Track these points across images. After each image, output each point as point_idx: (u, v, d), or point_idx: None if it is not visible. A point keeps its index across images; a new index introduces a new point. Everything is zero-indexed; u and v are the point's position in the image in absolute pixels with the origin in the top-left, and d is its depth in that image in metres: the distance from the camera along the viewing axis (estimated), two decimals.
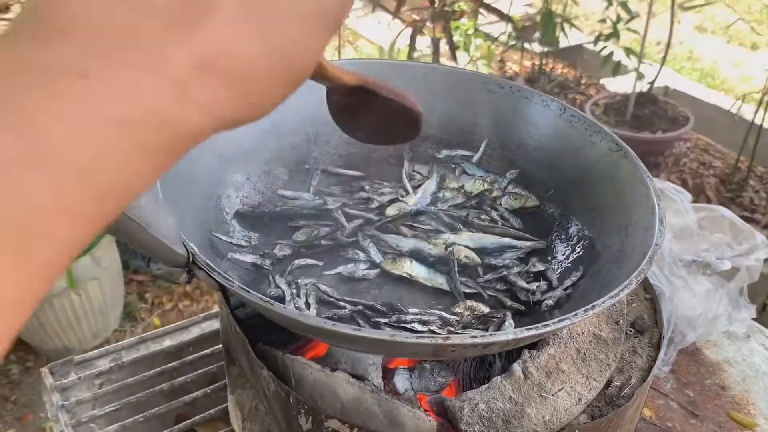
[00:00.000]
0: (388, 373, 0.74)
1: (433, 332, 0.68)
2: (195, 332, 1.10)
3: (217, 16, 0.25)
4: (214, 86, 0.25)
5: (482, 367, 0.76)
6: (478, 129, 0.93)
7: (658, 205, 0.70)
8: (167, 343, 1.08)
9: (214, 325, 1.12)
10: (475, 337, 0.55)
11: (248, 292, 0.57)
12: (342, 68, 0.58)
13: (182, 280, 0.61)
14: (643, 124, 3.01)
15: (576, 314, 0.57)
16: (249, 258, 0.76)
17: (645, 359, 0.74)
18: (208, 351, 1.06)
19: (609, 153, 0.81)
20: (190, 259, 0.59)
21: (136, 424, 0.94)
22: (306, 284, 0.73)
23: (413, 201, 0.86)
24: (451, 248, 0.78)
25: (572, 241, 0.80)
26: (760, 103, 2.66)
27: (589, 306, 0.58)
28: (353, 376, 0.68)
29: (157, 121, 0.24)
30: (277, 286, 0.72)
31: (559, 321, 0.56)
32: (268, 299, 0.56)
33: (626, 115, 3.03)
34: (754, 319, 1.16)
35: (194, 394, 0.98)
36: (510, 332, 0.55)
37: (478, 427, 0.65)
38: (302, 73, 0.30)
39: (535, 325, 0.56)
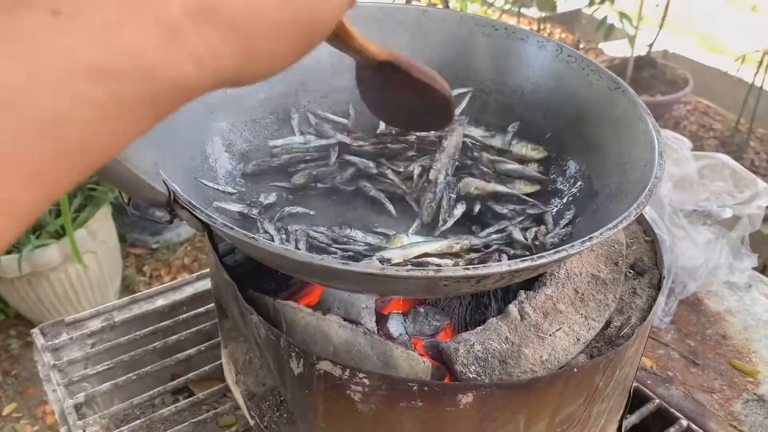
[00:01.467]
0: (382, 319, 0.72)
1: None
2: (188, 291, 1.08)
3: None
4: (213, 36, 0.23)
5: (478, 310, 0.74)
6: (473, 73, 0.90)
7: (658, 139, 0.68)
8: (160, 302, 1.06)
9: (208, 284, 1.10)
10: (468, 269, 0.53)
11: (232, 228, 0.54)
12: (371, 41, 0.54)
13: (164, 219, 0.59)
14: (642, 87, 2.98)
15: (573, 245, 0.55)
16: (236, 207, 0.73)
17: (645, 300, 0.72)
18: (201, 309, 1.04)
19: (607, 91, 0.78)
20: (171, 197, 0.57)
21: (129, 382, 0.93)
22: (296, 230, 0.71)
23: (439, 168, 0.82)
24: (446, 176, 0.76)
25: (570, 182, 0.78)
26: (760, 64, 2.62)
27: (587, 237, 0.56)
28: (346, 320, 0.67)
29: (140, 69, 0.21)
30: (266, 231, 0.70)
31: (555, 252, 0.54)
32: (253, 236, 0.54)
33: (625, 79, 2.98)
34: (754, 269, 1.14)
35: (188, 352, 0.97)
36: (504, 264, 0.53)
37: (473, 367, 0.63)
38: (318, 31, 0.27)
39: (530, 257, 0.54)
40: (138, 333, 1.00)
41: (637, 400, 0.93)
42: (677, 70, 3.07)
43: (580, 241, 0.55)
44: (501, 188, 0.78)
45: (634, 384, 0.94)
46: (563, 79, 0.83)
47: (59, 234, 2.02)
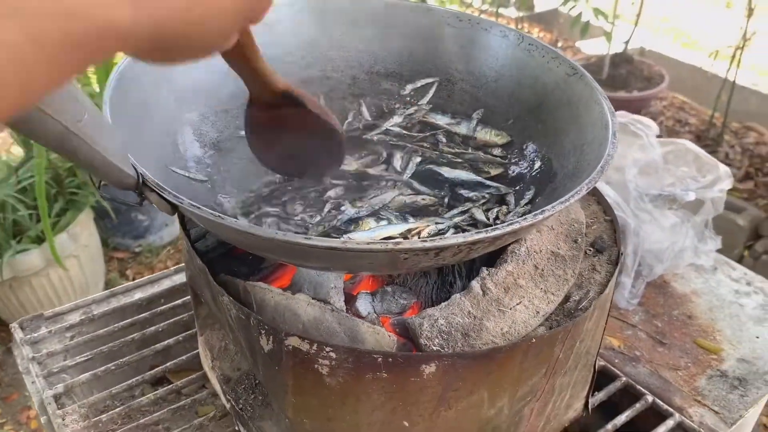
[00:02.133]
0: (351, 299, 0.75)
1: None
2: (166, 284, 1.10)
3: None
4: None
5: (444, 288, 0.77)
6: (439, 63, 0.93)
7: (612, 121, 0.71)
8: (138, 295, 1.08)
9: (185, 277, 1.12)
10: (425, 241, 0.55)
11: (198, 207, 0.56)
12: (272, 69, 0.54)
13: (134, 201, 0.61)
14: (619, 83, 3.02)
15: (525, 218, 0.57)
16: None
17: (603, 275, 0.75)
18: (179, 301, 1.06)
19: (566, 77, 0.81)
20: (140, 180, 0.59)
21: (107, 373, 0.94)
22: (266, 212, 0.73)
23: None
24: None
25: (530, 164, 0.81)
26: (732, 59, 2.67)
27: (539, 211, 0.58)
28: (314, 299, 0.69)
29: (63, 7, 0.20)
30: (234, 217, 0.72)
31: (508, 225, 0.57)
32: (219, 214, 0.56)
33: (602, 75, 3.03)
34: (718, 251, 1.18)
35: (166, 342, 0.99)
36: (459, 236, 0.55)
37: (437, 340, 0.65)
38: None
39: (485, 229, 0.56)
40: (116, 325, 1.01)
41: (605, 378, 0.96)
42: (653, 66, 3.12)
43: (533, 214, 0.58)
44: (464, 174, 0.81)
45: (602, 363, 0.97)
46: (525, 66, 0.86)
47: (40, 239, 2.02)
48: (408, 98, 0.93)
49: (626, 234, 1.05)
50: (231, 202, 0.75)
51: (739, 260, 2.39)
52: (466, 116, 0.89)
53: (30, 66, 0.20)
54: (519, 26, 3.43)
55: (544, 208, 0.59)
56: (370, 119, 0.92)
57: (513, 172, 0.82)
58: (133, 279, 2.52)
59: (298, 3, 0.90)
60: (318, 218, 0.73)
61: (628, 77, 3.05)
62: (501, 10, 3.44)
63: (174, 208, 0.61)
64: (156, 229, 2.57)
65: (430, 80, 0.93)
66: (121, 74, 0.72)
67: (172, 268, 1.13)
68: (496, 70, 0.89)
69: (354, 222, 0.73)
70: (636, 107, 3.03)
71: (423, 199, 0.77)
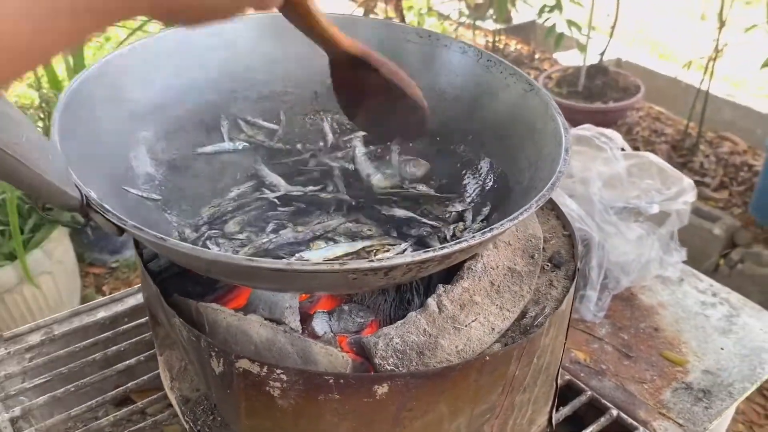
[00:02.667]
0: (307, 318, 0.74)
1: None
2: (130, 303, 1.08)
3: None
4: None
5: (402, 306, 0.76)
6: None
7: (566, 137, 0.71)
8: (101, 314, 1.06)
9: None
10: (372, 261, 0.55)
11: (142, 230, 0.56)
12: (344, 34, 0.53)
13: (80, 222, 0.60)
14: (595, 95, 3.05)
15: (474, 236, 0.57)
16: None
17: (560, 290, 0.75)
18: (143, 320, 1.04)
19: (523, 93, 0.81)
20: (84, 201, 0.58)
21: (67, 394, 0.92)
22: (213, 233, 0.72)
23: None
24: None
25: (486, 180, 0.81)
26: (705, 69, 2.70)
27: (487, 229, 0.58)
28: (269, 320, 0.68)
29: None
30: (185, 239, 0.72)
31: (456, 243, 0.56)
32: (162, 236, 0.55)
33: (578, 87, 3.06)
34: (685, 262, 1.18)
35: (128, 362, 0.97)
36: (408, 255, 0.55)
37: (392, 360, 0.65)
38: None
39: (433, 248, 0.56)
40: (78, 345, 1.00)
41: (570, 392, 0.96)
42: (629, 77, 3.15)
43: (481, 231, 0.58)
44: (401, 212, 0.79)
45: (568, 377, 0.97)
46: (484, 83, 0.86)
47: (14, 255, 1.99)
48: None
49: (591, 247, 1.05)
50: (181, 222, 0.74)
51: (715, 269, 2.41)
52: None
53: (45, 27, 0.24)
54: (496, 38, 3.46)
55: (492, 226, 0.58)
56: (332, 137, 0.92)
57: (464, 189, 0.82)
58: (110, 294, 2.49)
59: (257, 19, 0.90)
60: (261, 239, 0.73)
61: (604, 88, 3.08)
62: (478, 23, 3.46)
63: (120, 230, 0.61)
64: (132, 245, 2.55)
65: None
66: (73, 93, 0.71)
67: (135, 287, 1.12)
68: (456, 86, 0.89)
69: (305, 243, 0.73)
70: (612, 118, 3.06)
71: (369, 230, 0.76)
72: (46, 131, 1.66)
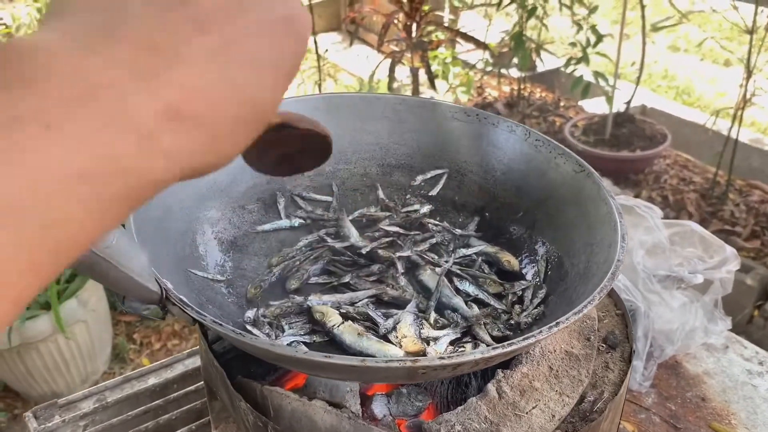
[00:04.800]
0: (366, 400, 0.75)
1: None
2: (179, 369, 1.10)
3: (184, 64, 0.26)
4: (181, 133, 0.26)
5: (459, 389, 0.77)
6: (448, 155, 0.95)
7: (620, 222, 0.73)
8: (152, 381, 1.08)
9: (198, 361, 1.12)
10: (443, 358, 0.56)
11: (221, 325, 0.58)
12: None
13: (158, 316, 0.62)
14: (622, 143, 3.07)
15: (541, 331, 0.59)
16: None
17: (617, 373, 0.75)
18: (192, 387, 1.06)
19: (573, 174, 0.83)
20: (164, 295, 0.61)
21: None
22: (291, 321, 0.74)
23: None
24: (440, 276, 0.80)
25: (542, 261, 0.82)
26: (734, 117, 2.71)
27: (554, 323, 0.59)
28: (331, 404, 0.69)
29: (119, 170, 0.24)
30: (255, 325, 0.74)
31: (524, 339, 0.58)
32: (240, 331, 0.57)
33: (605, 135, 3.08)
34: (732, 330, 1.18)
35: (179, 431, 0.99)
36: (477, 352, 0.57)
37: None
38: (266, 117, 0.31)
39: (501, 344, 0.57)
40: (130, 413, 1.02)
41: None
42: (656, 125, 3.17)
43: (548, 327, 0.59)
44: (472, 290, 0.81)
45: None
46: (532, 161, 0.88)
47: (49, 305, 2.03)
48: (419, 189, 0.96)
49: (636, 316, 1.06)
50: (247, 306, 0.77)
51: (750, 320, 2.38)
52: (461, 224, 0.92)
53: (97, 217, 0.24)
54: (521, 86, 3.51)
55: (558, 320, 0.60)
56: (386, 199, 0.94)
57: (525, 271, 0.83)
58: (141, 343, 2.51)
59: (313, 100, 0.94)
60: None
61: (630, 136, 3.10)
62: (503, 71, 3.52)
63: (195, 321, 0.63)
64: None
65: (440, 171, 0.96)
66: None
67: (185, 353, 1.14)
68: (504, 164, 0.92)
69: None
70: (639, 166, 3.07)
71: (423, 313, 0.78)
72: None
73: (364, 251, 0.85)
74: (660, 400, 1.08)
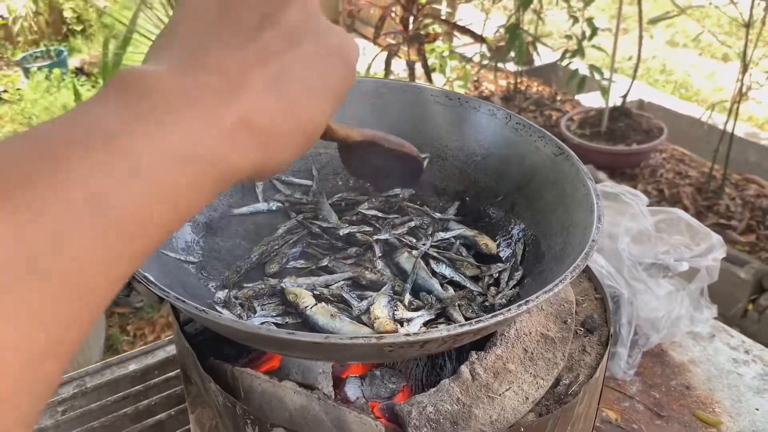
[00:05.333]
0: (339, 383, 0.74)
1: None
2: (160, 355, 1.10)
3: (248, 90, 0.33)
4: (250, 139, 0.33)
5: (434, 372, 0.76)
6: (430, 140, 0.94)
7: (597, 203, 0.72)
8: (132, 367, 1.08)
9: None
10: (408, 335, 0.55)
11: (184, 302, 0.57)
12: (350, 127, 0.63)
13: (120, 294, 0.61)
14: (618, 137, 3.06)
15: (509, 309, 0.58)
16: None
17: (594, 357, 0.74)
18: (173, 373, 1.05)
19: (552, 157, 0.82)
20: None
21: None
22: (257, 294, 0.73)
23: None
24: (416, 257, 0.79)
25: (518, 243, 0.81)
26: (730, 111, 2.70)
27: (523, 301, 0.59)
28: (303, 385, 0.69)
29: (214, 158, 0.31)
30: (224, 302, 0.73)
31: (492, 317, 0.57)
32: (203, 308, 0.56)
33: (601, 128, 3.07)
34: (726, 324, 1.17)
35: (159, 417, 0.98)
36: (444, 329, 0.56)
37: (425, 429, 0.65)
38: (314, 135, 0.38)
39: (469, 322, 0.56)
40: (110, 398, 1.01)
41: None
42: (652, 119, 3.16)
43: (517, 304, 0.58)
44: (449, 273, 0.80)
45: None
46: (513, 145, 0.87)
47: None
48: None
49: (620, 304, 1.05)
50: (220, 288, 0.76)
51: (744, 314, 2.37)
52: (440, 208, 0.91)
53: (197, 192, 0.31)
54: (518, 80, 3.49)
55: (528, 299, 0.59)
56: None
57: (502, 254, 0.82)
58: (134, 335, 2.51)
59: None
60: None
61: (627, 130, 3.09)
62: (500, 65, 3.50)
63: (161, 299, 0.62)
64: None
65: (421, 156, 0.95)
66: None
67: (165, 339, 1.13)
68: (485, 148, 0.91)
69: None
70: (636, 160, 3.06)
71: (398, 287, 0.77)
72: None
73: (342, 233, 0.84)
74: (644, 388, 1.07)
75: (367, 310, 0.73)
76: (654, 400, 1.05)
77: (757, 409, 1.03)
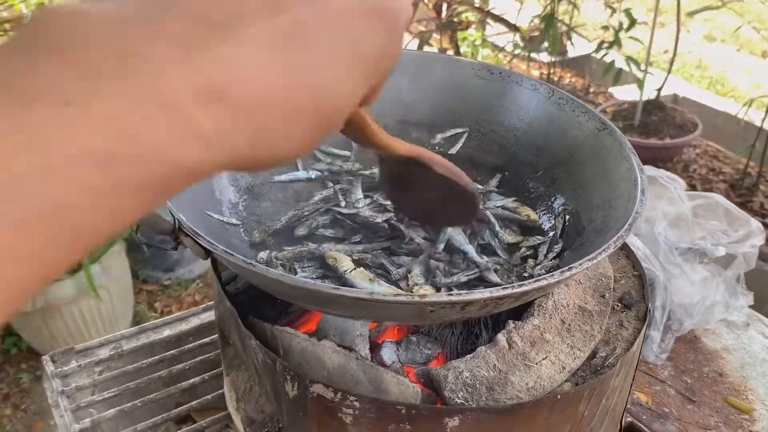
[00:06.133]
0: (375, 347, 0.75)
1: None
2: (194, 322, 1.11)
3: (239, 38, 0.23)
4: (223, 117, 0.23)
5: (469, 340, 0.77)
6: (469, 114, 0.94)
7: (641, 177, 0.71)
8: (167, 332, 1.10)
9: (213, 316, 1.13)
10: (452, 294, 0.56)
11: (231, 255, 0.58)
12: (395, 138, 0.52)
13: (169, 247, 0.63)
14: (652, 130, 3.01)
15: (553, 275, 0.58)
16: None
17: (631, 332, 0.74)
18: (206, 339, 1.07)
19: (596, 132, 0.82)
20: (176, 225, 0.61)
21: (134, 409, 0.95)
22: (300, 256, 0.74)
23: None
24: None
25: (558, 217, 0.81)
26: (767, 109, 2.65)
27: (566, 267, 0.59)
28: (340, 346, 0.69)
29: (145, 155, 0.21)
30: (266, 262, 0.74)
31: (535, 281, 0.57)
32: (251, 261, 0.57)
33: (634, 122, 3.03)
34: (751, 307, 1.15)
35: (192, 381, 1.00)
36: (486, 291, 0.56)
37: (461, 393, 0.65)
38: (331, 117, 0.27)
39: (511, 285, 0.56)
40: (144, 362, 1.03)
41: None
42: (686, 114, 3.11)
43: (560, 270, 0.58)
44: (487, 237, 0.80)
45: (629, 419, 0.96)
46: (555, 120, 0.87)
47: (73, 269, 2.07)
48: (438, 147, 0.95)
49: (655, 287, 1.04)
50: (264, 252, 0.77)
51: None
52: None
53: (115, 207, 0.21)
54: (551, 71, 3.46)
55: (571, 265, 0.59)
56: None
57: (540, 224, 0.82)
58: (161, 312, 2.55)
59: None
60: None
61: (660, 124, 3.04)
62: (533, 55, 3.47)
63: (208, 253, 0.63)
64: (186, 263, 2.61)
65: (460, 130, 0.95)
66: None
67: (200, 307, 1.15)
68: (526, 122, 0.91)
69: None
70: (668, 155, 3.02)
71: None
72: None
73: (379, 221, 0.83)
74: (676, 373, 1.06)
75: (405, 277, 0.74)
76: (686, 385, 1.04)
77: None
